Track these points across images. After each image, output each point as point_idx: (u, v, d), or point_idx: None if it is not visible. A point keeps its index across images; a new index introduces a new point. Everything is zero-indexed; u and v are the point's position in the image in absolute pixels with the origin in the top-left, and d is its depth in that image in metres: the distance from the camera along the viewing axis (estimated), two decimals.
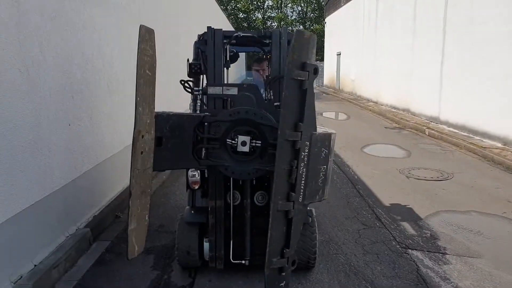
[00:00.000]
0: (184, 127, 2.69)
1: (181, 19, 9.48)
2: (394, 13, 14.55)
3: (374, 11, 16.90)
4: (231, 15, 54.04)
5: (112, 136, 4.96)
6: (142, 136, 2.30)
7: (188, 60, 3.45)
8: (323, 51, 30.08)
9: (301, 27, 55.28)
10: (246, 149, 2.88)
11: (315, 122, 2.46)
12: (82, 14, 4.23)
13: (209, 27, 3.18)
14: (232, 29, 26.49)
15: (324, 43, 29.54)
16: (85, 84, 4.29)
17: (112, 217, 4.62)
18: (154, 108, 2.45)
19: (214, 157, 2.81)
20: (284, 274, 2.52)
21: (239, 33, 3.26)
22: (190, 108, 3.28)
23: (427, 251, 3.96)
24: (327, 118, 13.81)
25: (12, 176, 3.06)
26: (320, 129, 2.56)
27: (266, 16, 55.40)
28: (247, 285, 3.28)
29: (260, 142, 2.87)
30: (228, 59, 3.35)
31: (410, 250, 3.96)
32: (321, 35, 31.56)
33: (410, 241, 4.15)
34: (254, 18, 55.09)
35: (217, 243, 3.29)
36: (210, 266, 3.33)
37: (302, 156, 2.36)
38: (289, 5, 55.38)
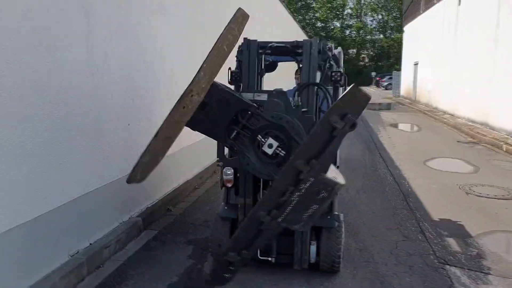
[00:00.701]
0: (230, 104, 2.87)
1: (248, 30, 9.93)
2: (474, 20, 13.71)
3: (454, 18, 16.05)
4: (308, 25, 54.28)
5: None
6: (192, 95, 2.43)
7: (229, 68, 3.75)
8: (400, 61, 29.02)
9: (381, 36, 53.70)
10: (270, 151, 3.08)
11: (329, 167, 2.55)
12: (146, 25, 4.75)
13: (245, 38, 3.45)
14: (306, 39, 26.66)
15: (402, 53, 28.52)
16: (146, 89, 4.80)
17: (164, 210, 5.06)
18: (214, 79, 2.56)
19: (241, 144, 3.01)
20: (232, 268, 2.69)
21: (272, 43, 3.48)
22: None
23: (468, 269, 3.81)
24: (396, 130, 13.38)
25: (75, 166, 3.57)
26: (332, 174, 2.66)
27: (344, 25, 54.70)
28: (271, 281, 3.45)
29: (284, 152, 3.05)
30: (263, 67, 3.59)
31: (448, 266, 3.84)
32: (401, 44, 30.51)
33: (451, 257, 4.02)
34: (332, 27, 54.69)
35: (247, 237, 3.51)
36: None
37: (301, 187, 2.47)
38: (369, 13, 54.10)
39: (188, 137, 3.36)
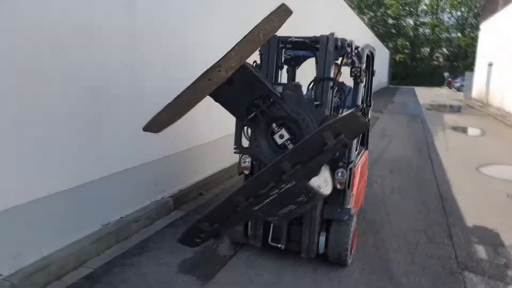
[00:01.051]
0: (255, 87, 3.04)
1: (309, 26, 9.98)
2: None
3: None
4: (379, 22, 52.50)
5: (209, 126, 5.72)
6: (219, 70, 2.51)
7: (254, 61, 3.91)
8: (474, 61, 27.16)
9: (459, 34, 50.46)
10: (279, 141, 3.24)
11: (314, 175, 2.73)
12: (188, 19, 5.06)
13: None
14: (373, 37, 25.92)
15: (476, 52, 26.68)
16: (185, 81, 5.11)
17: (196, 193, 5.38)
18: (244, 61, 2.66)
19: (256, 126, 3.22)
20: (203, 236, 2.89)
21: (292, 38, 3.60)
22: None
23: (488, 277, 3.67)
24: (455, 133, 12.68)
25: (112, 146, 3.97)
26: (319, 182, 2.79)
27: (418, 22, 52.12)
28: (278, 266, 3.60)
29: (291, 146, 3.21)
30: (282, 61, 3.72)
31: (467, 272, 3.73)
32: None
33: (474, 264, 3.88)
34: (404, 24, 52.37)
35: (257, 223, 3.70)
36: (249, 243, 3.77)
37: (282, 186, 2.59)
38: (447, 10, 50.95)
39: (229, 127, 3.63)
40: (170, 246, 3.89)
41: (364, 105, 4.57)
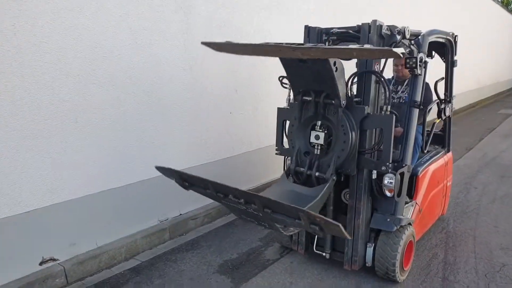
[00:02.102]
0: (324, 81, 2.93)
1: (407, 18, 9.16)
2: None
3: None
4: None
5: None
6: (294, 50, 2.59)
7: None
8: None
9: None
10: (311, 139, 3.07)
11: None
12: (252, 21, 5.05)
13: (305, 26, 3.39)
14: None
15: None
16: (252, 80, 5.13)
17: None
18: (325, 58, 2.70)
19: (303, 113, 3.21)
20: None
21: (334, 29, 3.31)
22: (286, 102, 3.56)
23: None
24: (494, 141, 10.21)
25: (167, 146, 4.18)
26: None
27: None
28: (319, 276, 3.36)
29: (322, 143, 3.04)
30: None
31: None
32: None
33: None
34: None
35: None
36: (293, 249, 3.60)
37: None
38: None
39: None
40: (218, 245, 3.93)
41: (441, 101, 4.00)
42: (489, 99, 17.76)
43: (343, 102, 2.95)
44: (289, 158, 3.57)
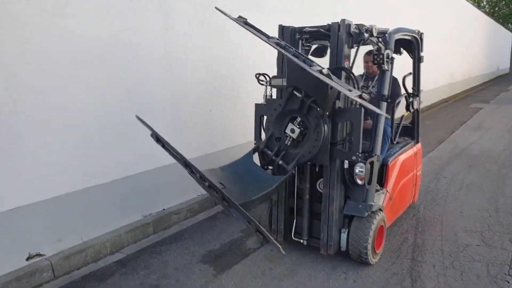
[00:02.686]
0: (315, 86, 3.16)
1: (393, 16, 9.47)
2: None
3: None
4: (502, 0, 46.64)
5: None
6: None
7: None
8: None
9: None
10: (295, 135, 3.24)
11: None
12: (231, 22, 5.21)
13: (279, 25, 3.58)
14: (484, 18, 23.29)
15: None
16: (231, 78, 5.29)
17: None
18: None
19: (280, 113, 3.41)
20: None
21: (306, 27, 3.50)
22: (263, 98, 3.74)
23: None
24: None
25: (150, 142, 4.30)
26: None
27: None
28: (297, 261, 3.56)
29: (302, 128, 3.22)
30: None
31: None
32: None
33: None
34: None
35: (278, 218, 3.70)
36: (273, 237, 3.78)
37: None
38: None
39: None
40: (201, 237, 4.09)
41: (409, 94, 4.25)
42: (461, 94, 18.38)
43: (327, 113, 3.15)
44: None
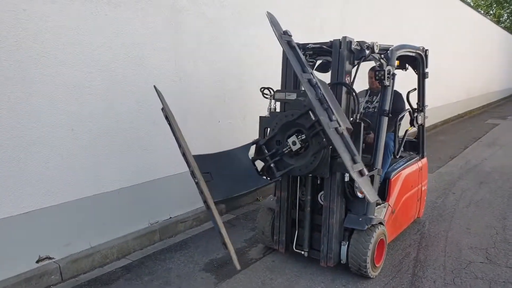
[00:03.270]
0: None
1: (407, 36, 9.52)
2: None
3: None
4: None
5: None
6: None
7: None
8: None
9: None
10: (296, 148, 3.30)
11: None
12: (242, 35, 5.36)
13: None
14: (501, 31, 23.06)
15: None
16: (240, 91, 5.42)
17: (252, 198, 5.60)
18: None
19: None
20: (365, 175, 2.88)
21: (309, 44, 3.60)
22: (267, 111, 3.83)
23: None
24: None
25: (159, 153, 4.44)
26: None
27: None
28: (297, 273, 3.60)
29: (305, 142, 3.27)
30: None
31: None
32: None
33: None
34: None
35: (280, 229, 3.76)
36: (275, 249, 3.85)
37: None
38: None
39: None
40: (205, 246, 4.17)
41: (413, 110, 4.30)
42: (478, 109, 18.15)
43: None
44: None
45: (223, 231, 2.67)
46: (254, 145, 3.58)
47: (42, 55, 3.35)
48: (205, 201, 2.81)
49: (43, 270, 3.41)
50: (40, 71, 3.35)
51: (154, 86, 3.26)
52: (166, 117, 3.14)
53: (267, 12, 3.24)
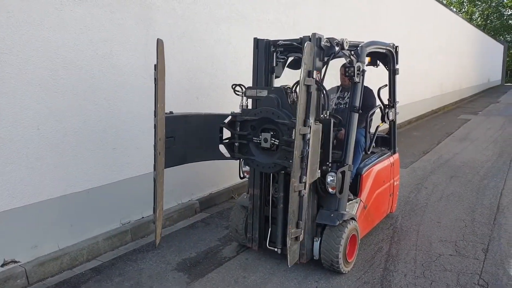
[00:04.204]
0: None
1: (380, 29, 9.63)
2: None
3: None
4: (494, 13, 47.53)
5: None
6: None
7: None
8: None
9: None
10: (267, 145, 3.29)
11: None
12: (215, 31, 5.31)
13: (254, 38, 3.67)
14: (474, 31, 23.65)
15: None
16: (213, 88, 5.37)
17: (227, 197, 5.57)
18: None
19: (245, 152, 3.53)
20: (299, 241, 3.06)
21: (280, 41, 3.59)
22: (239, 108, 3.81)
23: None
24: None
25: (129, 151, 4.36)
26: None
27: None
28: (271, 270, 3.60)
29: (278, 140, 3.26)
30: (274, 65, 3.72)
31: None
32: None
33: (499, 283, 3.41)
34: None
35: (254, 226, 3.75)
36: (248, 247, 3.83)
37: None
38: None
39: None
40: (178, 246, 4.12)
41: (385, 106, 4.35)
42: (451, 105, 18.58)
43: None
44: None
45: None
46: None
47: (3, 52, 3.22)
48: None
49: (8, 274, 3.30)
50: (1, 69, 3.22)
51: (158, 39, 3.16)
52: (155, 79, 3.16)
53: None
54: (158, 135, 3.10)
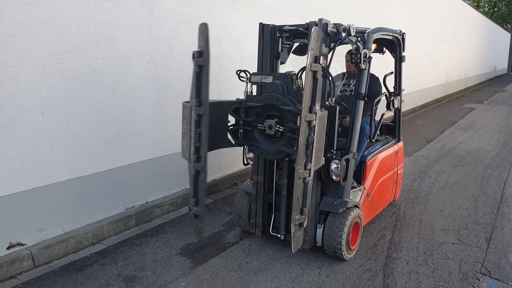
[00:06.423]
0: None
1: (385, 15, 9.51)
2: None
3: None
4: (502, 0, 46.84)
5: None
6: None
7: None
8: None
9: None
10: (272, 132, 3.28)
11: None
12: (219, 16, 5.25)
13: (260, 23, 3.62)
14: (482, 18, 23.32)
15: None
16: (218, 73, 5.34)
17: (230, 183, 5.59)
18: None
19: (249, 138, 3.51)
20: (303, 227, 3.07)
21: (286, 26, 3.55)
22: (244, 94, 3.79)
23: (504, 282, 3.23)
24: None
25: (134, 137, 4.36)
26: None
27: None
28: (274, 256, 3.62)
29: (282, 126, 3.24)
30: (280, 51, 3.68)
31: (487, 277, 3.32)
32: None
33: (502, 271, 3.42)
34: None
35: (257, 212, 3.76)
36: (252, 232, 3.85)
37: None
38: None
39: None
40: (182, 231, 4.15)
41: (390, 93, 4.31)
42: (456, 94, 18.44)
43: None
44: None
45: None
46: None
47: (7, 35, 3.20)
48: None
49: (14, 257, 3.33)
50: (5, 52, 3.21)
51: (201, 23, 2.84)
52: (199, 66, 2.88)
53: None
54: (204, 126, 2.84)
